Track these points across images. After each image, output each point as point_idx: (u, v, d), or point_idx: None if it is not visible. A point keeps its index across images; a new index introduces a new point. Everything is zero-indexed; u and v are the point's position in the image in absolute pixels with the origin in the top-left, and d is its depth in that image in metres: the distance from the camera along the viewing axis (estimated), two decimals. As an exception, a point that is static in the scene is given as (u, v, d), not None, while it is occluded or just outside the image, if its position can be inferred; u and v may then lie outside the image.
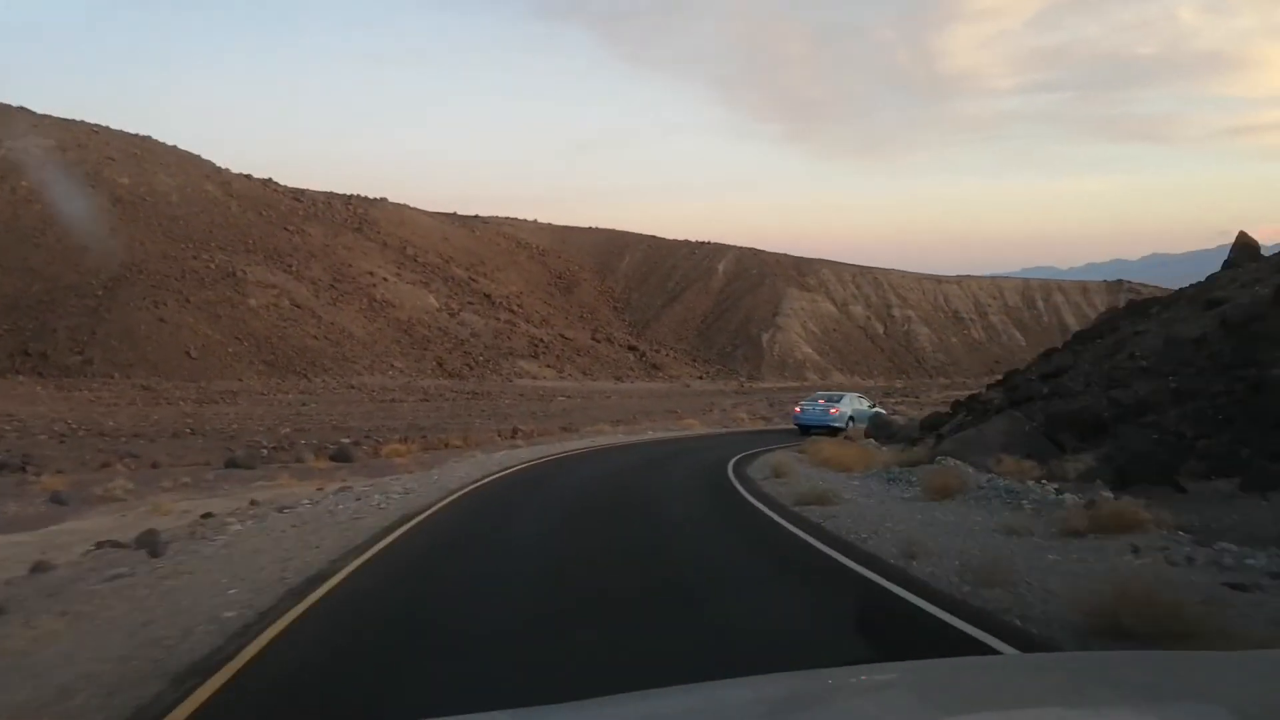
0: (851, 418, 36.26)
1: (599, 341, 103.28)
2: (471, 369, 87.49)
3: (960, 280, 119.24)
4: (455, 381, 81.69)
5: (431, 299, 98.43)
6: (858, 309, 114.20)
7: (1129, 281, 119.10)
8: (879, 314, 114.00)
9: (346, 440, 31.01)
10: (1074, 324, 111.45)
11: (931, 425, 27.79)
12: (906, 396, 70.95)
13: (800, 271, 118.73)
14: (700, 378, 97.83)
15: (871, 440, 29.13)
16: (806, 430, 34.94)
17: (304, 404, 56.14)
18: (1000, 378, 31.61)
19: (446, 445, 29.90)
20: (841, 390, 48.04)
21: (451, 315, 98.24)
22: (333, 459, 24.97)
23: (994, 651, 5.95)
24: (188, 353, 67.03)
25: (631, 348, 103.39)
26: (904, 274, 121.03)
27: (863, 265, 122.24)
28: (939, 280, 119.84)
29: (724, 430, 39.14)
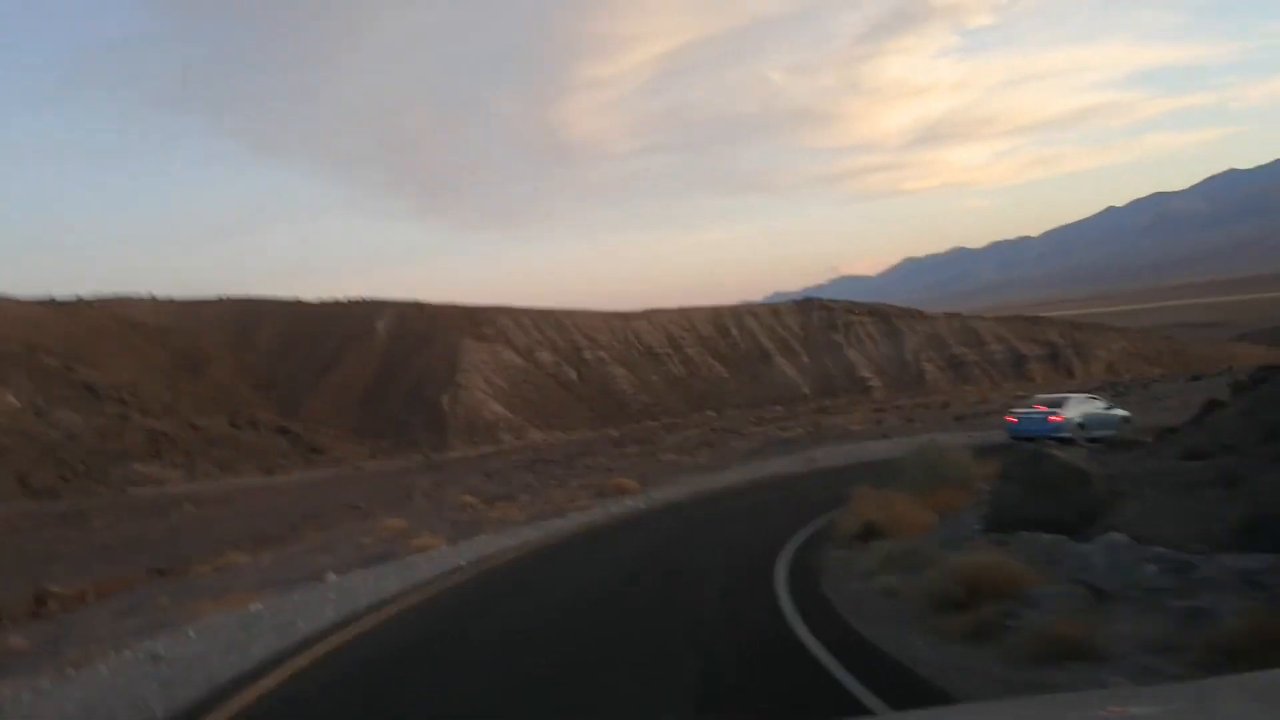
0: (1082, 424, 30.05)
1: (240, 428, 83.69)
2: (69, 481, 65.95)
3: (649, 314, 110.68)
4: (44, 502, 60.26)
5: (10, 397, 75.08)
6: (545, 355, 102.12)
7: (819, 300, 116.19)
8: (570, 359, 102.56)
9: None
10: (771, 347, 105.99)
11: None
12: (637, 442, 59.04)
13: (474, 321, 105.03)
14: (373, 456, 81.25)
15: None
16: (1023, 442, 27.79)
17: None
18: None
19: None
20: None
21: (40, 415, 75.32)
22: None
23: None
24: None
25: (282, 430, 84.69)
26: (590, 314, 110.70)
27: (543, 309, 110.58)
28: (626, 317, 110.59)
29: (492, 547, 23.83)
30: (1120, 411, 32.50)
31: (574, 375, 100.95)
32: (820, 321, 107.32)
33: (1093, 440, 28.47)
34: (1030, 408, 31.73)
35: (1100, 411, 31.59)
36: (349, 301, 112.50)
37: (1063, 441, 28.13)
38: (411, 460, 78.65)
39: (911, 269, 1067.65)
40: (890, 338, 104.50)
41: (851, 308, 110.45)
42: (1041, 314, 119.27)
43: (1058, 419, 30.32)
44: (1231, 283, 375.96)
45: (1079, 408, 31.20)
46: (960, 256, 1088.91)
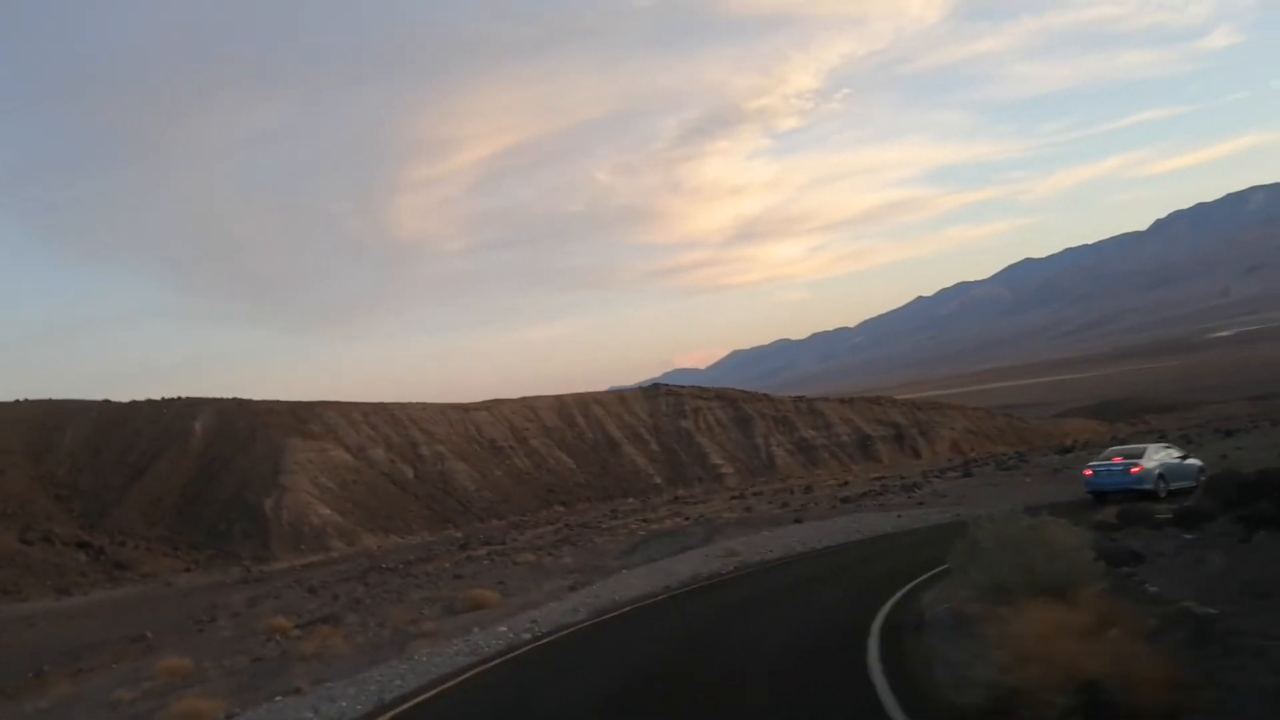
0: (1162, 475, 28.50)
1: (32, 544, 73.59)
2: None
3: (490, 405, 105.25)
4: None
5: None
6: (379, 452, 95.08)
7: (666, 385, 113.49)
8: (405, 455, 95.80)
9: None
10: (620, 435, 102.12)
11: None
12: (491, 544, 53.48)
13: (300, 418, 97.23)
14: (188, 570, 72.58)
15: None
16: (1102, 497, 28.23)
17: None
18: None
19: None
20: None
21: None
22: None
23: None
24: None
25: (83, 544, 74.94)
26: (426, 406, 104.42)
27: (375, 403, 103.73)
28: (466, 408, 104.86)
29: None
30: (1195, 461, 30.51)
31: (410, 473, 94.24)
32: (669, 408, 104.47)
33: (1172, 493, 27.15)
34: (1108, 460, 29.47)
35: (1177, 461, 29.72)
36: (163, 400, 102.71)
37: (1144, 495, 27.21)
38: (230, 573, 70.45)
39: (739, 361, 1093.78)
40: (739, 424, 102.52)
41: (699, 393, 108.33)
42: (882, 395, 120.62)
43: (1138, 470, 28.44)
44: (1031, 367, 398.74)
45: (1157, 457, 29.33)
46: (784, 347, 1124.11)
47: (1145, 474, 28.39)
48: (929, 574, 18.11)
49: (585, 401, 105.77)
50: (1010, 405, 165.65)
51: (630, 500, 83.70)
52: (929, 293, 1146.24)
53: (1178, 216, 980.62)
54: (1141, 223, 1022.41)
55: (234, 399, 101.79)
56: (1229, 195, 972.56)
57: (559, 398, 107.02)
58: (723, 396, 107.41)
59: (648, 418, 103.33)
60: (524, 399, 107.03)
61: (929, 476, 50.57)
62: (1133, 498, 27.03)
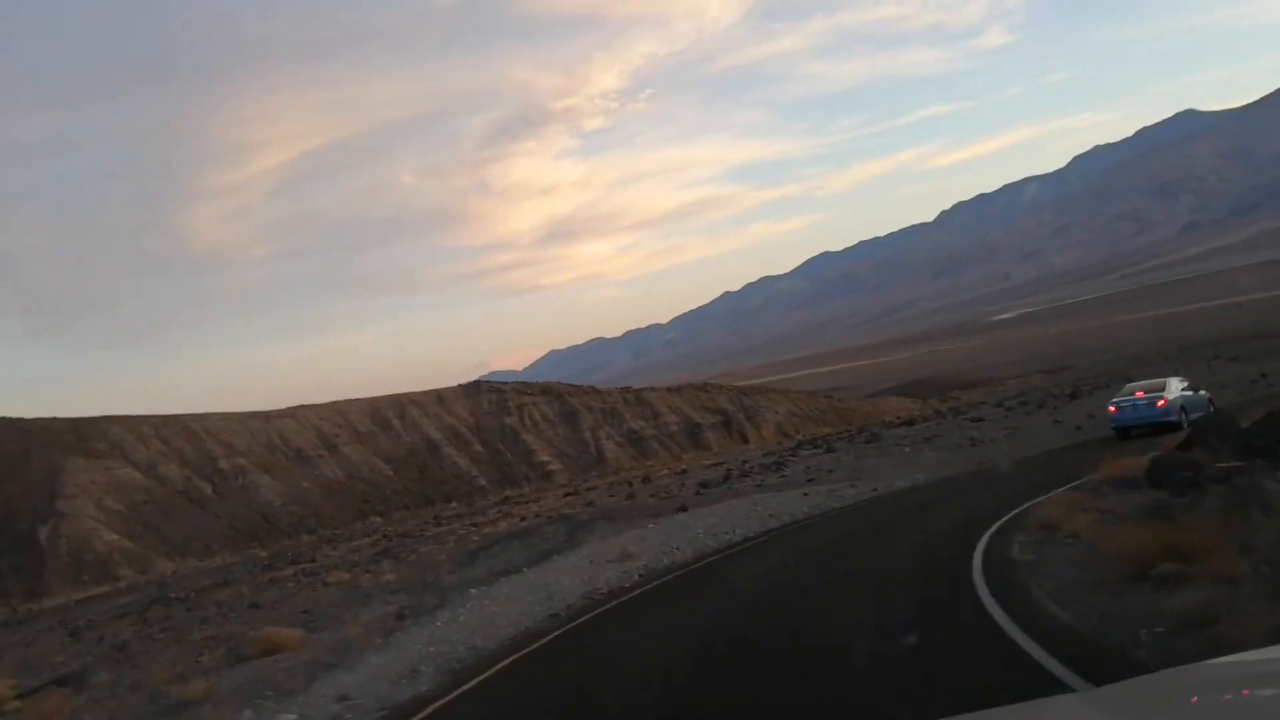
0: (1184, 407, 29.03)
1: None
2: None
3: (294, 412, 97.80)
4: None
5: None
6: (172, 469, 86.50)
7: (489, 383, 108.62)
8: (202, 471, 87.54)
9: None
10: (439, 437, 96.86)
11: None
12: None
13: (82, 436, 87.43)
14: (-58, 615, 63.09)
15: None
16: (1125, 432, 29.01)
17: None
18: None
19: None
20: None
21: None
22: None
23: None
24: None
25: None
26: (224, 416, 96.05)
27: (167, 415, 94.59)
28: (268, 416, 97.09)
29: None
30: (1204, 392, 31.19)
31: (208, 489, 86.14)
32: (491, 406, 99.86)
33: (1190, 423, 26.75)
34: (1130, 396, 29.86)
35: (1191, 394, 30.23)
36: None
37: (1169, 427, 27.72)
38: (-6, 615, 61.67)
39: (555, 360, 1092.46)
40: (566, 418, 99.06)
41: (523, 389, 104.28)
42: (709, 381, 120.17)
43: (1164, 403, 28.99)
44: (835, 354, 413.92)
45: (1177, 389, 29.78)
46: (599, 346, 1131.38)
47: (1170, 406, 28.90)
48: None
49: (401, 403, 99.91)
50: (821, 390, 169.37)
51: (454, 505, 78.92)
52: (735, 288, 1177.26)
53: (960, 207, 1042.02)
54: (929, 214, 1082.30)
55: (2, 418, 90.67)
56: (1006, 186, 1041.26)
57: (372, 400, 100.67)
58: (548, 391, 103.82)
59: (469, 417, 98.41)
60: (332, 404, 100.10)
61: (784, 456, 48.75)
62: (1158, 430, 27.75)
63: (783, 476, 37.29)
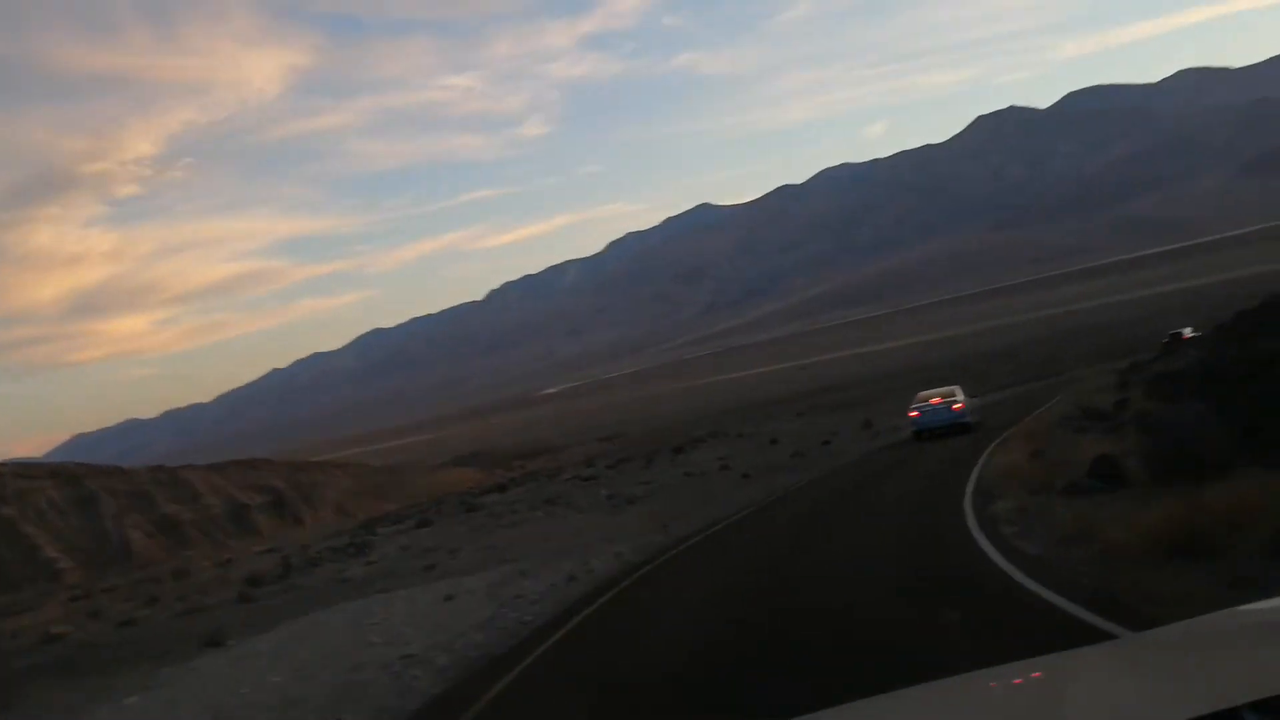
0: (973, 410, 33.59)
1: None
2: None
3: None
4: None
5: None
6: None
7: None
8: None
9: None
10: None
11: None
12: None
13: None
14: None
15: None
16: (924, 434, 31.77)
17: None
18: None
19: None
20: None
21: None
22: None
23: None
24: None
25: None
26: None
27: None
28: None
29: None
30: (976, 399, 35.89)
31: None
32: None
33: (967, 425, 31.84)
34: (926, 402, 32.60)
35: (972, 400, 34.67)
36: None
37: (963, 428, 31.47)
38: None
39: (81, 444, 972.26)
40: (81, 505, 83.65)
41: (24, 470, 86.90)
42: (258, 458, 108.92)
43: (960, 407, 32.07)
44: (389, 431, 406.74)
45: (963, 396, 32.94)
46: (133, 427, 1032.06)
47: (966, 410, 32.28)
48: None
49: None
50: (381, 466, 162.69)
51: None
52: (283, 364, 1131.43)
53: (508, 287, 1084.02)
54: (478, 293, 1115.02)
55: None
56: (550, 267, 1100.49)
57: None
58: (59, 473, 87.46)
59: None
60: None
61: (361, 536, 40.15)
62: (953, 431, 31.32)
63: (371, 564, 25.76)
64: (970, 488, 18.13)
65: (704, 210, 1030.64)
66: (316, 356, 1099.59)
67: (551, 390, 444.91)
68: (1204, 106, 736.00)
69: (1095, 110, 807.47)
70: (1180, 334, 59.20)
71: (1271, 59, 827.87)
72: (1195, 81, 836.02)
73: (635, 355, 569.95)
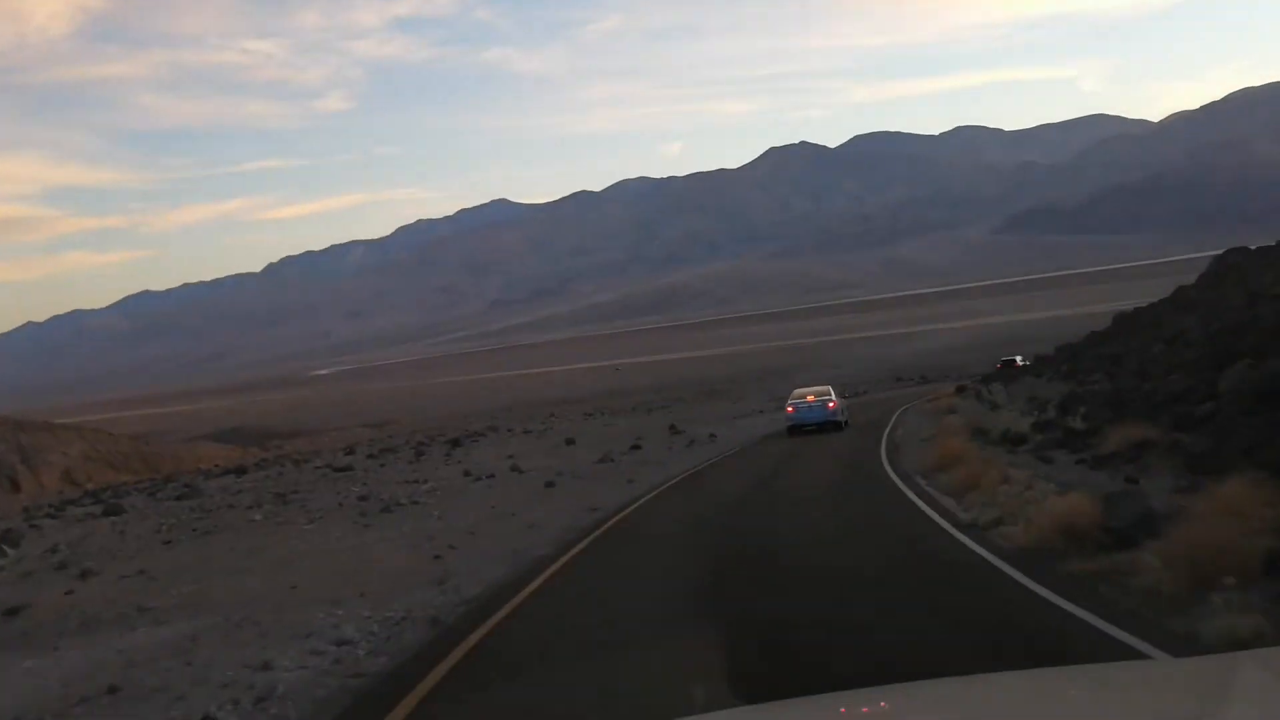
0: (845, 409, 35.32)
1: None
2: None
3: None
4: None
5: None
6: None
7: None
8: None
9: None
10: None
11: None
12: None
13: None
14: None
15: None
16: (799, 429, 32.63)
17: None
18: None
19: None
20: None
21: None
22: None
23: None
24: None
25: None
26: None
27: None
28: None
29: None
30: (845, 399, 38.13)
31: None
32: None
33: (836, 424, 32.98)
34: (803, 399, 33.38)
35: (845, 399, 37.19)
36: None
37: (836, 426, 32.56)
38: None
39: None
40: None
41: None
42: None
43: (834, 405, 33.07)
44: (151, 398, 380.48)
45: (836, 395, 34.34)
46: None
47: (839, 408, 33.38)
48: None
49: None
50: (132, 435, 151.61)
51: None
52: (40, 319, 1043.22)
53: (289, 262, 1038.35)
54: (256, 264, 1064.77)
55: None
56: (334, 246, 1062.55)
57: None
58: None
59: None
60: None
61: (58, 511, 32.33)
62: (826, 428, 32.22)
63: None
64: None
65: (500, 205, 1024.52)
66: (78, 314, 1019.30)
67: (324, 371, 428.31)
68: (977, 162, 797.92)
69: (879, 153, 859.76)
70: (1013, 361, 62.77)
71: (1040, 125, 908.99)
72: (971, 138, 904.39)
73: (415, 344, 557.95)
